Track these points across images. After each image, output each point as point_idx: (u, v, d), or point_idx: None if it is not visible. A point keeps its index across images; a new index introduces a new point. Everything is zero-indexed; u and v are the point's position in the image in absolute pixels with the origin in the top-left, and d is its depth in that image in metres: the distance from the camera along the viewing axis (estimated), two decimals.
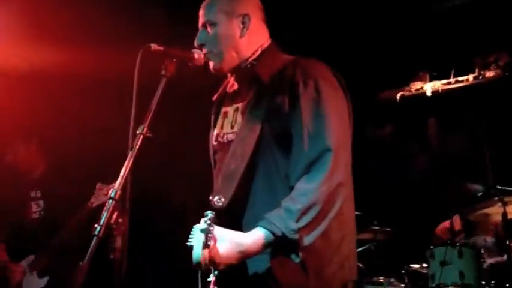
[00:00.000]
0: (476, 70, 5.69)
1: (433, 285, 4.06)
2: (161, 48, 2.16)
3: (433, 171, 6.02)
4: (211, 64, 2.25)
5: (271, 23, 2.36)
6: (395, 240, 4.88)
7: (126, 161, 1.88)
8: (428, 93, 5.88)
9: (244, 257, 1.83)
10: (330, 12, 5.18)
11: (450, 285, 4.01)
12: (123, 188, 1.82)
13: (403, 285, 4.52)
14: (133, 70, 2.07)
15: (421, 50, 5.63)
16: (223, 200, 1.95)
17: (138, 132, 1.96)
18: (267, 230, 1.82)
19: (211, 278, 1.76)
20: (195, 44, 2.25)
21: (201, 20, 2.28)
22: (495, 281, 4.17)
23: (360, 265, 4.91)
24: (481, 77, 5.65)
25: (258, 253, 1.84)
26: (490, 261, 4.52)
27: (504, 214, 4.05)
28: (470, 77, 5.71)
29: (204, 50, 2.23)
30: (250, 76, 2.20)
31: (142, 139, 1.94)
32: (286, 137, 1.99)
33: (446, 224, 4.68)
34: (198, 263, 1.77)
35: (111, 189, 1.79)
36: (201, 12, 2.29)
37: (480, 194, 4.91)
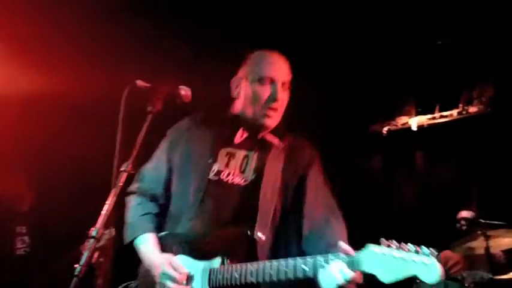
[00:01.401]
0: (460, 105, 5.77)
1: None
2: (147, 85, 2.17)
3: (421, 203, 6.04)
4: (269, 121, 2.36)
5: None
6: None
7: (109, 199, 1.86)
8: (414, 128, 5.94)
9: None
10: (322, 45, 5.24)
11: None
12: (106, 226, 1.80)
13: None
14: (120, 101, 2.07)
15: (407, 85, 5.71)
16: (263, 237, 2.17)
17: (122, 169, 1.94)
18: None
19: None
20: (268, 96, 2.33)
21: (278, 76, 2.37)
22: None
23: None
24: (464, 112, 5.73)
25: None
26: None
27: (487, 248, 4.06)
28: (455, 112, 5.79)
29: (275, 105, 2.34)
30: (273, 137, 2.40)
31: (126, 176, 1.93)
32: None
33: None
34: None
35: (93, 229, 1.77)
36: (279, 68, 2.39)
37: (464, 227, 4.93)
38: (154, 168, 2.48)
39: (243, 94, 2.43)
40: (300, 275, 1.93)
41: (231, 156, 2.36)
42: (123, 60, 4.38)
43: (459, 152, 5.82)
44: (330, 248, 2.01)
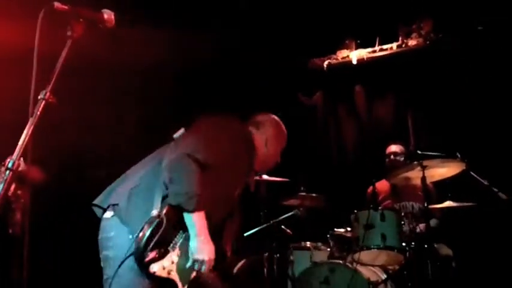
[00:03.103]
0: (400, 38, 5.80)
1: (357, 247, 4.17)
2: (66, 7, 2.00)
3: (360, 136, 6.16)
4: None
5: None
6: (321, 205, 4.97)
7: (26, 129, 1.74)
8: (354, 62, 5.95)
9: None
10: None
11: (373, 247, 4.15)
12: (23, 157, 1.69)
13: (328, 249, 4.62)
14: (35, 32, 1.92)
15: (346, 17, 5.66)
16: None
17: (39, 97, 1.81)
18: None
19: None
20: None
21: None
22: (415, 243, 4.34)
23: (288, 231, 4.99)
24: (404, 45, 5.77)
25: None
26: (411, 225, 4.70)
27: (423, 178, 4.18)
28: (394, 45, 5.83)
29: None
30: None
31: (44, 105, 1.80)
32: None
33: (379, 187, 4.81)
34: None
35: (9, 160, 1.65)
36: None
37: (401, 158, 5.07)
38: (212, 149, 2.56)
39: (270, 149, 2.97)
40: None
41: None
42: None
43: (398, 86, 5.92)
44: None
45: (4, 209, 1.58)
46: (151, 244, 2.29)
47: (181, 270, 2.45)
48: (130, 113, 5.15)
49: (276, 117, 2.99)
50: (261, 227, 4.80)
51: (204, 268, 2.46)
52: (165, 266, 2.35)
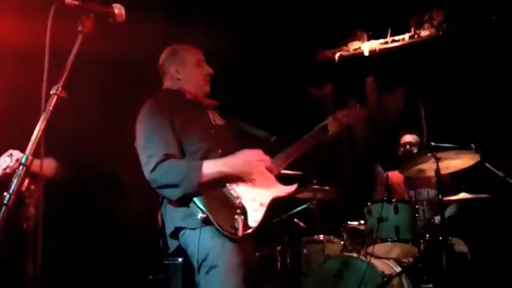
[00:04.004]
0: (412, 29, 5.74)
1: (370, 240, 4.15)
2: (76, 2, 1.99)
3: (371, 128, 6.12)
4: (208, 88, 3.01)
5: None
6: (334, 198, 4.95)
7: (39, 124, 1.74)
8: (366, 53, 5.90)
9: None
10: None
11: (387, 240, 4.12)
12: (36, 152, 1.69)
13: (342, 242, 4.61)
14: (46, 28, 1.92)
15: (358, 9, 5.61)
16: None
17: (51, 92, 1.82)
18: None
19: None
20: (210, 71, 3.00)
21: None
22: (429, 235, 4.31)
23: (300, 224, 4.98)
24: (416, 36, 5.71)
25: None
26: (425, 216, 4.66)
27: (437, 170, 4.14)
28: (406, 36, 5.77)
29: (210, 78, 3.00)
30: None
31: (57, 100, 1.80)
32: None
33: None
34: None
35: (22, 155, 1.66)
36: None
37: (415, 149, 5.02)
38: (164, 137, 2.67)
39: (189, 75, 2.98)
40: None
41: (206, 110, 2.94)
42: None
43: (410, 76, 5.86)
44: None
45: (18, 203, 1.58)
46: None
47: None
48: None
49: (167, 48, 3.04)
50: (274, 220, 4.79)
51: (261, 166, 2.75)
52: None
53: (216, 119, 2.95)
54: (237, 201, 2.58)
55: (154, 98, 2.85)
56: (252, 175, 2.72)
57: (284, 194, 2.85)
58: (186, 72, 2.95)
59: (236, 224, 2.50)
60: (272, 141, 2.92)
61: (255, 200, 2.66)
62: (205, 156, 2.68)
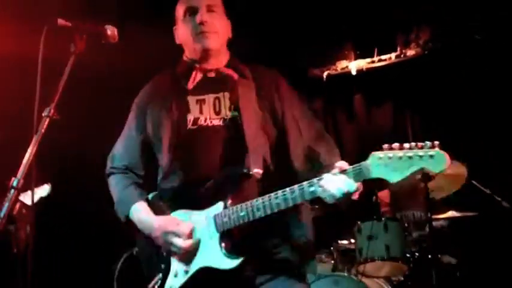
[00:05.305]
0: (398, 48, 5.82)
1: (361, 259, 4.15)
2: (69, 23, 1.99)
3: (360, 144, 6.14)
4: (207, 43, 2.26)
5: None
6: (324, 217, 4.93)
7: (31, 147, 1.72)
8: (353, 72, 5.95)
9: None
10: None
11: (376, 259, 4.12)
12: (28, 175, 1.67)
13: (332, 261, 4.59)
14: (39, 48, 1.91)
15: (344, 28, 5.67)
16: (260, 171, 2.11)
17: (43, 114, 1.80)
18: None
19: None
20: (196, 24, 2.27)
21: (199, 2, 2.30)
22: (419, 253, 4.32)
23: None
24: (402, 56, 5.78)
25: None
26: (414, 234, 4.67)
27: (426, 188, 4.16)
28: (393, 55, 5.83)
29: (204, 28, 2.26)
30: (231, 71, 2.32)
31: (49, 122, 1.79)
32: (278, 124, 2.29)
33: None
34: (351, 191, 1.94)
35: (13, 178, 1.63)
36: None
37: None
38: (124, 144, 2.41)
39: (181, 36, 2.37)
40: (307, 197, 1.95)
41: (201, 102, 2.27)
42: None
43: (397, 94, 5.91)
44: (325, 169, 2.02)
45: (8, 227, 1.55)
46: None
47: None
48: None
49: None
50: None
51: None
52: None
53: (209, 114, 2.25)
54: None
55: (153, 80, 2.45)
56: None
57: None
58: (180, 34, 2.39)
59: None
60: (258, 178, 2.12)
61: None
62: (166, 176, 2.27)
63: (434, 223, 4.21)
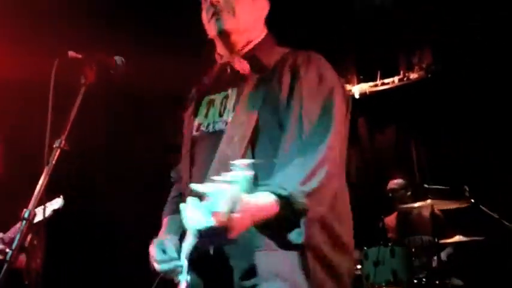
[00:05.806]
0: (401, 72, 5.86)
1: (368, 285, 4.12)
2: (79, 56, 2.02)
3: (363, 167, 6.14)
4: (222, 23, 1.87)
5: None
6: None
7: (42, 178, 1.73)
8: (356, 96, 5.99)
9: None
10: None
11: (383, 285, 4.09)
12: (38, 207, 1.67)
13: None
14: (50, 78, 1.93)
15: (347, 52, 5.72)
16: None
17: (54, 146, 1.81)
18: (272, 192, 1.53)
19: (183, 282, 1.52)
20: (207, 6, 1.90)
21: None
22: (426, 278, 4.28)
23: None
24: (405, 79, 5.83)
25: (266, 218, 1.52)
26: (422, 259, 4.64)
27: (432, 213, 4.17)
28: (396, 79, 5.88)
29: (215, 9, 1.88)
30: (252, 62, 1.90)
31: (60, 153, 1.80)
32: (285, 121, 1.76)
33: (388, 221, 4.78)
34: (207, 229, 1.33)
35: (25, 210, 1.64)
36: None
37: (409, 193, 5.04)
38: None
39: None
40: None
41: (211, 103, 1.94)
42: (54, 31, 4.10)
43: (401, 117, 5.93)
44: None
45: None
46: None
47: None
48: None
49: None
50: None
51: None
52: None
53: (213, 118, 1.90)
54: None
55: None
56: None
57: None
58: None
59: None
60: None
61: None
62: (184, 191, 1.94)
63: (441, 254, 4.19)
